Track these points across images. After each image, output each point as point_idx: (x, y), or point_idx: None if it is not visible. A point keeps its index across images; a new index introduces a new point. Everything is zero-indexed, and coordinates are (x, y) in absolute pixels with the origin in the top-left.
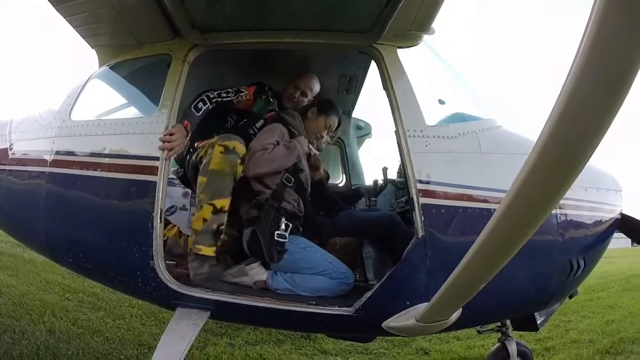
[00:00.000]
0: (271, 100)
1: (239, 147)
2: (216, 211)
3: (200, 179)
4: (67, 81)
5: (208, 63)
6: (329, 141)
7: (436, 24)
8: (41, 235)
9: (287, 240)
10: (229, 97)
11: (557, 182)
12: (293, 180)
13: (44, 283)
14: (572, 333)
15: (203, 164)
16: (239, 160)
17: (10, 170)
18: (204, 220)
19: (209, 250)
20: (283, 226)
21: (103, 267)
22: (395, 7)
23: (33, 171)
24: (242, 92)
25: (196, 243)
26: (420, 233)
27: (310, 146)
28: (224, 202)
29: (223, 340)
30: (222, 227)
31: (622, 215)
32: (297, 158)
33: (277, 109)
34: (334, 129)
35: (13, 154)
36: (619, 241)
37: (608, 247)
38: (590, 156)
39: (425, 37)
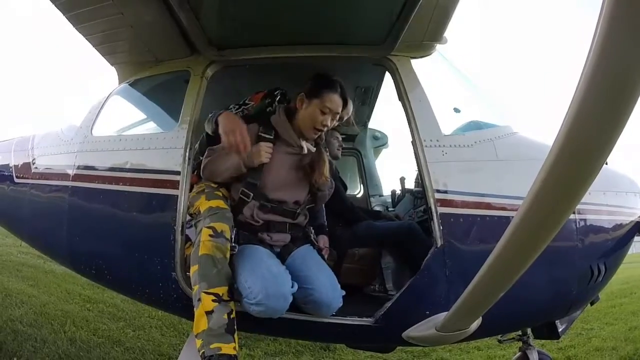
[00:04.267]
0: (275, 104)
1: (228, 231)
2: (219, 299)
3: (192, 268)
4: (87, 95)
5: (226, 78)
6: (339, 130)
7: (448, 33)
8: (64, 247)
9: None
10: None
11: (574, 186)
12: (252, 195)
13: (65, 293)
14: (594, 341)
15: (193, 250)
16: (229, 245)
17: (32, 184)
18: (208, 313)
19: (229, 348)
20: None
21: (125, 279)
22: (407, 19)
23: (56, 185)
24: (247, 104)
25: (210, 344)
26: (439, 242)
27: (306, 144)
28: (223, 290)
29: (242, 351)
30: (233, 315)
31: None
32: (236, 167)
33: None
34: (338, 110)
35: (36, 168)
36: None
37: (630, 251)
38: (606, 158)
39: (438, 47)
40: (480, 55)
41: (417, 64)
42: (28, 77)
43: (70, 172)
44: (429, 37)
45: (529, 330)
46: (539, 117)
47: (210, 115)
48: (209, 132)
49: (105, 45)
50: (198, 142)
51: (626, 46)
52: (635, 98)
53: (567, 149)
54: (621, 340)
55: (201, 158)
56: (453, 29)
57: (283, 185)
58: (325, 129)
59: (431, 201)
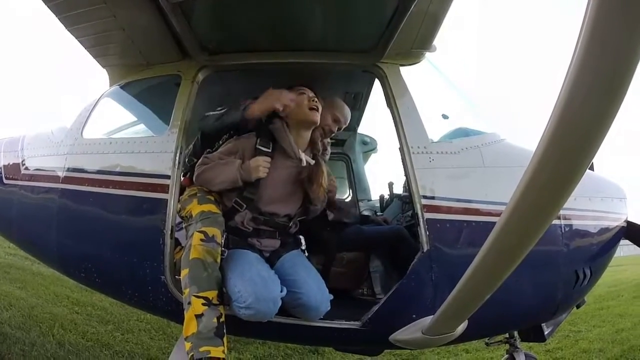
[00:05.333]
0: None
1: (219, 235)
2: (209, 303)
3: (183, 272)
4: (76, 95)
5: (217, 83)
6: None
7: (438, 40)
8: (53, 249)
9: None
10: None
11: (557, 190)
12: (245, 206)
13: (53, 296)
14: (581, 343)
15: (184, 254)
16: (219, 249)
17: (22, 185)
18: (198, 317)
19: (218, 351)
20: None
21: (115, 282)
22: (397, 27)
23: (45, 187)
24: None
25: (199, 347)
26: (426, 247)
27: (305, 156)
28: (213, 294)
29: (231, 355)
30: (223, 319)
31: (628, 222)
32: (233, 181)
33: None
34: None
35: (26, 169)
36: (629, 248)
37: (618, 254)
38: (589, 162)
39: (427, 55)
40: (477, 58)
41: (406, 71)
42: (26, 77)
43: (60, 174)
44: (418, 45)
45: (515, 333)
46: (537, 121)
47: (207, 114)
48: (229, 123)
49: (97, 47)
50: (192, 144)
51: (610, 51)
52: (619, 102)
53: (551, 153)
54: (608, 342)
55: (195, 160)
56: (452, 35)
57: (277, 199)
58: (317, 104)
59: (418, 207)
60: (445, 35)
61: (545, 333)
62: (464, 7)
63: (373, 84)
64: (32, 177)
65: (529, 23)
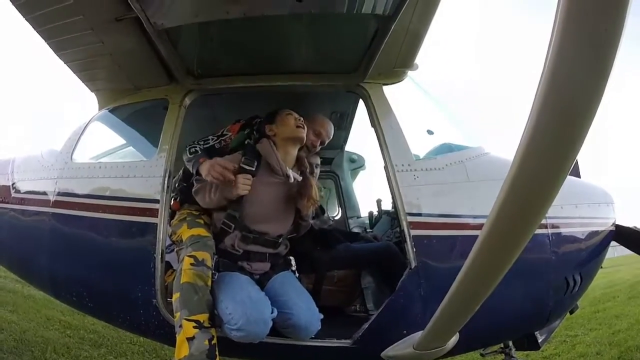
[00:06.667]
0: (254, 134)
1: (209, 259)
2: (200, 326)
3: (174, 296)
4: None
5: (204, 106)
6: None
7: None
8: (44, 273)
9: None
10: (209, 143)
11: (539, 196)
12: (233, 226)
13: (45, 319)
14: (578, 347)
15: (175, 278)
16: (210, 273)
17: (12, 208)
18: (189, 340)
19: None
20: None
21: (106, 306)
22: (379, 48)
23: (36, 211)
24: (225, 134)
25: None
26: (413, 264)
27: (293, 173)
28: (204, 317)
29: None
30: (214, 341)
31: (617, 226)
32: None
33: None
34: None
35: (16, 192)
36: (622, 249)
37: (612, 255)
38: (570, 165)
39: (410, 73)
40: (477, 57)
41: (389, 90)
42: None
43: (51, 198)
44: (400, 64)
45: (510, 343)
46: None
47: (187, 146)
48: (190, 170)
49: (86, 72)
50: (182, 169)
51: (588, 47)
52: (596, 104)
53: (530, 158)
54: (605, 345)
55: (184, 185)
56: (453, 35)
57: (266, 217)
58: (302, 123)
59: (404, 224)
60: (447, 35)
61: (539, 341)
62: (465, 7)
63: (358, 103)
64: (22, 201)
65: (530, 21)
